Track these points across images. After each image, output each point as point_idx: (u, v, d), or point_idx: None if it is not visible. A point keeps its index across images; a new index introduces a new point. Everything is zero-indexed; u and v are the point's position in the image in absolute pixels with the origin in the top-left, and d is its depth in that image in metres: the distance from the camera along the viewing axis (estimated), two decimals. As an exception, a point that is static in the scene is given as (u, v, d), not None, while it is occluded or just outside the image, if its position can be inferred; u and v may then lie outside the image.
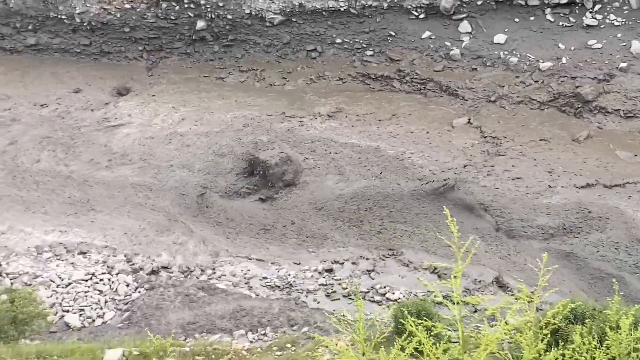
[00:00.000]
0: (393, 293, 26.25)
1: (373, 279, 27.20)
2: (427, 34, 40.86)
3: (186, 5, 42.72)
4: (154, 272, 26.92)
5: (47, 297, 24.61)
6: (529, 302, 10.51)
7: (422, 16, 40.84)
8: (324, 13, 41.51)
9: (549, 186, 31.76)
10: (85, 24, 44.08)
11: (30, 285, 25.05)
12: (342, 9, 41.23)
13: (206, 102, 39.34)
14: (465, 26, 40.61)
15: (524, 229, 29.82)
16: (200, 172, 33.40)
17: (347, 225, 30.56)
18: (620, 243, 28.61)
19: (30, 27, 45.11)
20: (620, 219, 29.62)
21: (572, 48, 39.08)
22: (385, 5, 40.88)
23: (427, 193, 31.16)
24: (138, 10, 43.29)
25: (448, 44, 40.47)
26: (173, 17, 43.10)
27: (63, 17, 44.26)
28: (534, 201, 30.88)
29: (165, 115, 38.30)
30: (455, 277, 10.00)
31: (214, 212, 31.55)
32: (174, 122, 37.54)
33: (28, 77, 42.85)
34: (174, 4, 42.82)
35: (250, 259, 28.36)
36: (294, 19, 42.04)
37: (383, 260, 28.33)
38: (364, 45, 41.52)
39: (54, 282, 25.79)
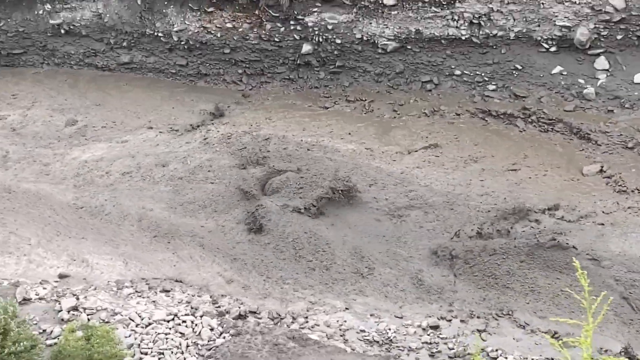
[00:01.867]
0: (506, 358, 24.78)
1: (484, 340, 25.85)
2: (558, 69, 39.14)
3: (292, 27, 42.21)
4: (241, 316, 26.21)
5: (125, 337, 24.09)
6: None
7: (553, 49, 39.17)
8: (442, 41, 40.32)
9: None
10: (182, 42, 44.07)
11: (108, 322, 24.71)
12: (463, 38, 39.95)
13: (303, 131, 38.84)
14: (602, 62, 38.68)
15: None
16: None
17: (455, 278, 29.29)
18: None
19: (124, 44, 45.41)
20: None
21: None
22: (512, 35, 39.43)
23: (545, 248, 29.57)
24: (240, 30, 43.03)
25: (581, 81, 38.63)
26: (277, 40, 42.67)
27: (160, 34, 44.37)
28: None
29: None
30: (586, 336, 9.14)
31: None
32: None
33: (117, 98, 43.22)
34: (279, 25, 42.36)
35: (348, 309, 27.46)
36: (409, 47, 40.81)
37: (496, 319, 26.89)
38: (486, 79, 40.04)
39: (133, 320, 25.09)
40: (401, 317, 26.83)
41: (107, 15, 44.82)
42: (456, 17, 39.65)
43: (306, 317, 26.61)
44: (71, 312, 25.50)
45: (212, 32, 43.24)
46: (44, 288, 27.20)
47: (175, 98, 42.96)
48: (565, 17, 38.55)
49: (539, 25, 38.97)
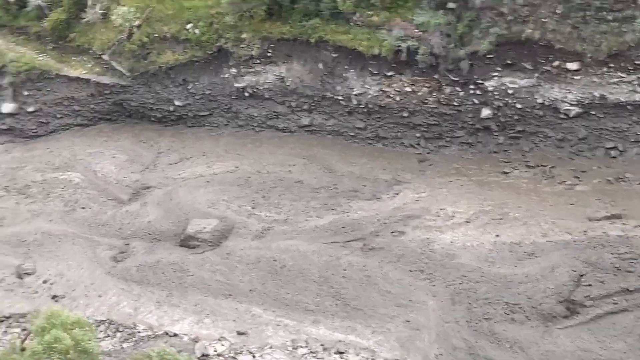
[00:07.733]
0: None
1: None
2: None
3: (472, 92, 41.82)
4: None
5: (299, 397, 24.43)
6: None
7: None
8: (628, 107, 38.88)
9: None
10: (361, 106, 44.36)
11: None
12: (649, 103, 38.71)
13: (487, 200, 38.40)
14: None
15: None
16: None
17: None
18: None
19: (305, 107, 46.21)
20: None
21: None
22: (702, 99, 37.89)
23: None
24: (419, 94, 42.97)
25: None
26: (456, 104, 42.33)
27: (339, 97, 44.88)
28: None
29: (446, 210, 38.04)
30: None
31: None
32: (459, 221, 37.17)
33: (298, 159, 44.00)
34: (458, 89, 42.09)
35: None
36: (592, 112, 39.63)
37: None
38: (676, 146, 38.56)
39: (307, 380, 25.59)
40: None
41: (290, 79, 45.75)
42: (643, 83, 38.37)
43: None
44: (248, 369, 25.89)
45: (391, 95, 43.40)
46: (222, 345, 27.68)
47: (354, 163, 43.26)
48: None
49: None
